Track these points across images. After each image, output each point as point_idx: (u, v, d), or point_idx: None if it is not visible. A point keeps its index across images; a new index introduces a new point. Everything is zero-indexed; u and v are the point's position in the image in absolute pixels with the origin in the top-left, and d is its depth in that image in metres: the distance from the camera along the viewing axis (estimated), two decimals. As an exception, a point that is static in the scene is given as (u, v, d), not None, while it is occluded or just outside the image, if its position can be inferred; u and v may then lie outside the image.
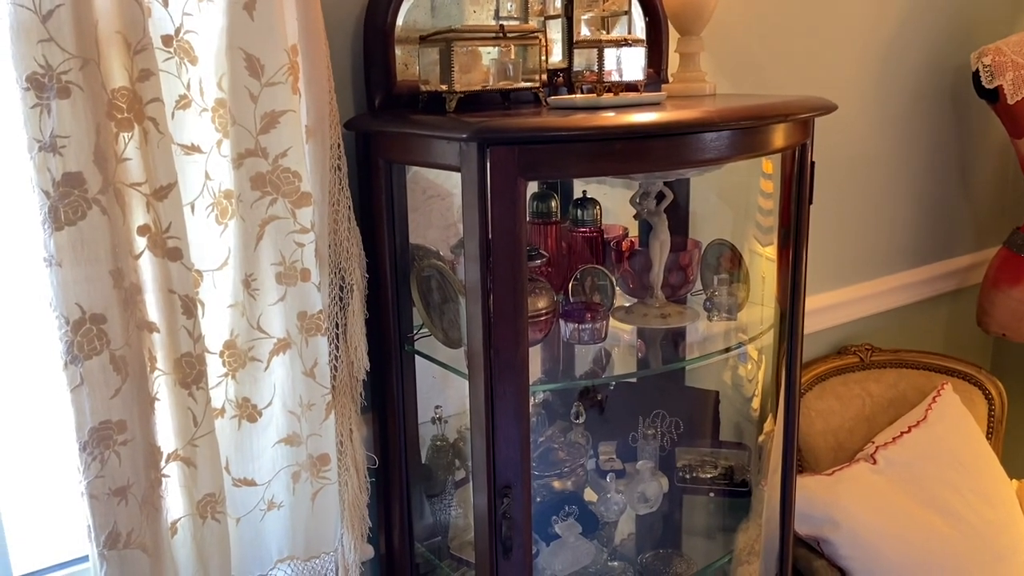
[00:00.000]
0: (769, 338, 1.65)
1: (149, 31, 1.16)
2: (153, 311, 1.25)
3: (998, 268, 2.52)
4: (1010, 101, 2.32)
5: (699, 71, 1.65)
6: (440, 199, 1.61)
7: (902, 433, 2.24)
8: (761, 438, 1.71)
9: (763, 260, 1.62)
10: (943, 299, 2.76)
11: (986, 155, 2.73)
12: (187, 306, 1.25)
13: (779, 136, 1.38)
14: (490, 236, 1.20)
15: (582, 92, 1.45)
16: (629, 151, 1.20)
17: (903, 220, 2.57)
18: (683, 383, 1.92)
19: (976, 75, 2.38)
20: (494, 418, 1.26)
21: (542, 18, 1.61)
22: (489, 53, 1.41)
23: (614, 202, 1.76)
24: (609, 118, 1.19)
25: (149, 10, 1.18)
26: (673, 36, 1.73)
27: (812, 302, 2.26)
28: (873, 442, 2.26)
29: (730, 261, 1.67)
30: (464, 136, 1.17)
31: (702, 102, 1.45)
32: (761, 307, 1.65)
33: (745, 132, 1.30)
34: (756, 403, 1.69)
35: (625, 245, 1.72)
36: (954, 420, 2.29)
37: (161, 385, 1.28)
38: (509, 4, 1.62)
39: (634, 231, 1.81)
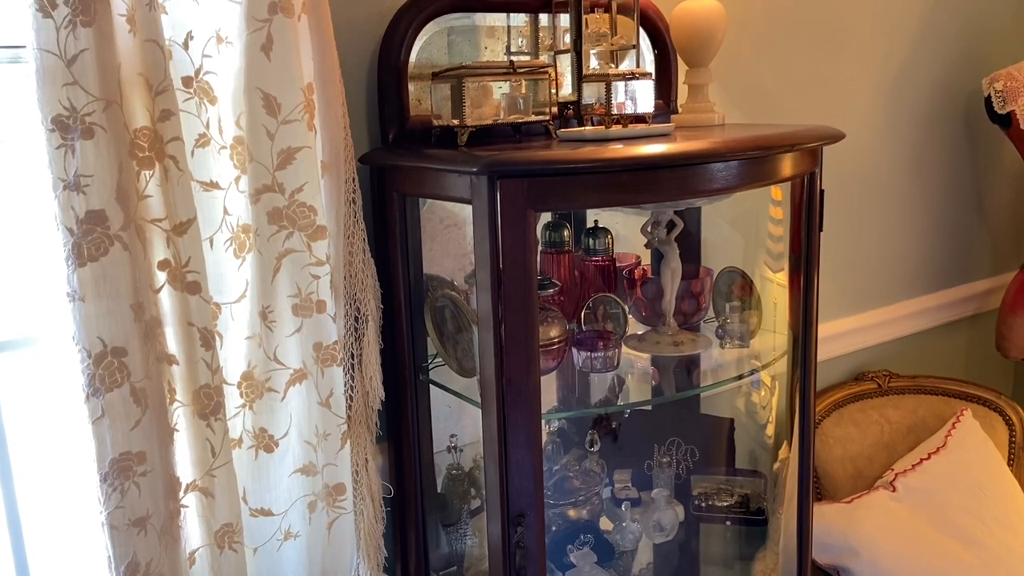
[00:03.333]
0: (783, 365, 1.65)
1: (170, 73, 1.20)
2: (172, 343, 1.28)
3: (1015, 293, 2.50)
4: (1023, 126, 2.32)
5: (708, 102, 1.67)
6: (457, 228, 1.64)
7: (922, 460, 2.22)
8: (776, 465, 1.70)
9: (774, 286, 1.63)
10: (961, 324, 2.75)
11: (1001, 179, 2.73)
12: (206, 338, 1.28)
13: (787, 165, 1.39)
14: (501, 266, 1.22)
15: (591, 124, 1.47)
16: (637, 182, 1.22)
17: (919, 245, 2.56)
18: (698, 411, 1.92)
19: (988, 100, 2.39)
20: (507, 447, 1.27)
21: (552, 53, 1.64)
22: (500, 88, 1.44)
23: (627, 230, 1.78)
24: (616, 150, 1.21)
25: (170, 53, 1.22)
26: (682, 67, 1.75)
27: (828, 328, 2.27)
28: (892, 469, 2.24)
29: (741, 288, 1.68)
30: (475, 170, 1.20)
31: (710, 133, 1.48)
32: (774, 334, 1.65)
33: (752, 162, 1.32)
34: (771, 430, 1.69)
35: (637, 273, 1.74)
36: (974, 446, 2.27)
37: (180, 416, 1.30)
38: (520, 40, 1.65)
39: (647, 259, 1.83)
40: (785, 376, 1.67)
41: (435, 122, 1.45)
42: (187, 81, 1.26)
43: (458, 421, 1.70)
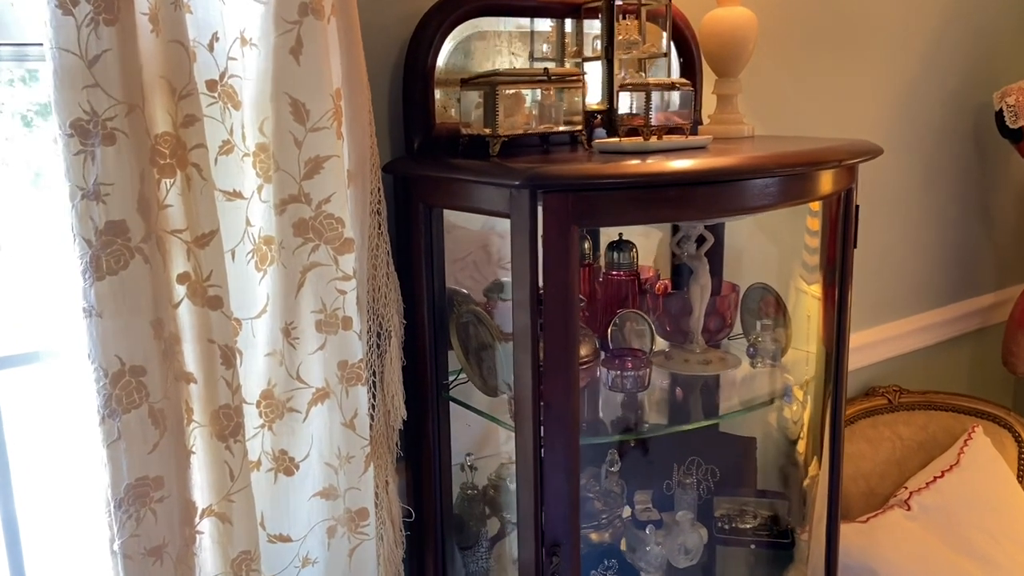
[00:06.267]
0: (814, 379, 1.60)
1: (194, 76, 1.13)
2: (191, 361, 1.21)
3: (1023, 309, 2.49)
4: (1036, 141, 2.31)
5: (737, 113, 1.63)
6: (447, 232, 1.57)
7: (935, 478, 2.19)
8: (806, 482, 1.65)
9: (807, 298, 1.58)
10: (966, 339, 2.73)
11: (1007, 192, 2.72)
12: (226, 356, 1.21)
13: (829, 181, 1.35)
14: (541, 285, 1.16)
15: (622, 135, 1.41)
16: (684, 197, 1.18)
17: (927, 259, 2.54)
18: (717, 429, 1.87)
19: (1000, 115, 2.38)
20: (543, 473, 1.22)
21: (578, 59, 1.59)
22: (529, 96, 1.39)
23: (645, 241, 1.73)
24: (665, 164, 1.16)
25: (194, 55, 1.15)
26: (708, 77, 1.71)
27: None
28: (906, 487, 2.21)
29: (770, 306, 1.64)
30: (516, 183, 1.14)
31: (741, 145, 1.43)
32: (807, 350, 1.61)
33: (797, 177, 1.28)
34: (801, 446, 1.63)
35: (659, 287, 1.69)
36: (987, 464, 2.24)
37: (196, 437, 1.23)
38: (544, 46, 1.60)
39: (665, 272, 1.78)
40: (813, 390, 1.62)
41: (463, 130, 1.39)
42: (211, 85, 1.19)
43: (467, 433, 1.64)
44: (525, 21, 1.59)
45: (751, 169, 1.19)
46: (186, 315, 1.20)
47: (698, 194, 1.18)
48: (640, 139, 1.34)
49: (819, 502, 1.63)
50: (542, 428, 1.21)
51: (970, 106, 2.53)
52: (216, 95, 1.20)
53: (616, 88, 1.40)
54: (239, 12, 1.20)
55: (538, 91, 1.38)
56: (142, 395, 1.13)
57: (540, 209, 1.15)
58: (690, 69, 1.71)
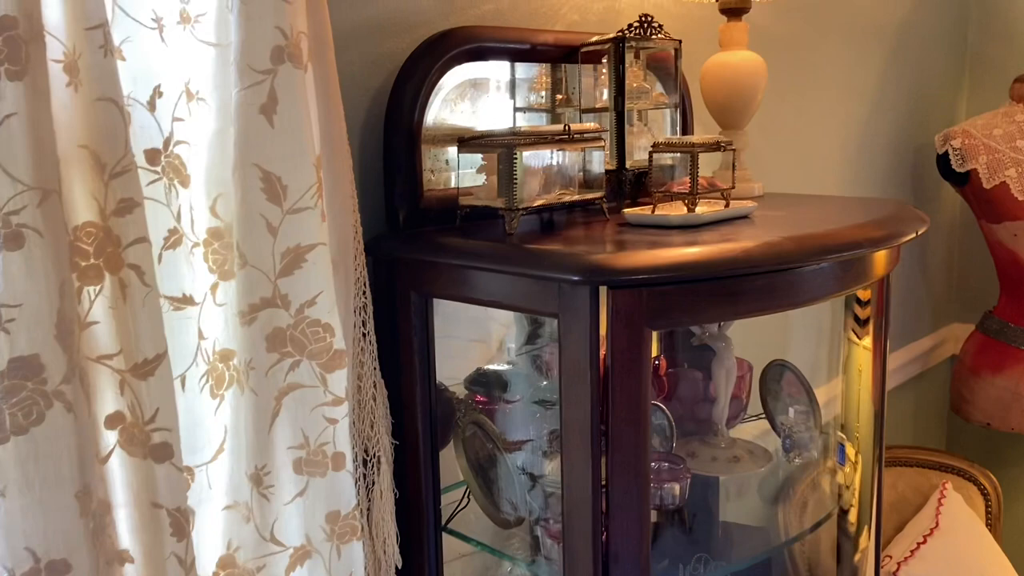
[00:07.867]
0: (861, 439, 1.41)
1: (131, 145, 0.81)
2: (126, 533, 0.87)
3: (975, 355, 2.44)
4: (986, 186, 2.26)
5: (746, 169, 1.44)
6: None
7: (919, 544, 2.07)
8: (857, 557, 1.45)
9: (859, 350, 1.37)
10: (909, 385, 2.67)
11: (938, 233, 2.70)
12: (178, 524, 0.88)
13: (891, 254, 1.18)
14: (607, 404, 0.91)
15: (656, 202, 1.18)
16: (773, 286, 0.95)
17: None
18: (716, 516, 1.66)
19: (944, 158, 2.32)
20: (609, 642, 0.95)
21: (564, 110, 1.36)
22: (542, 158, 1.14)
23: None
24: (753, 247, 0.93)
25: (130, 116, 0.83)
26: (700, 126, 1.52)
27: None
28: (890, 556, 2.08)
29: (794, 385, 1.45)
30: (574, 277, 0.89)
31: (773, 208, 1.24)
32: (858, 409, 1.41)
33: (867, 257, 1.08)
34: (853, 516, 1.42)
35: (662, 369, 1.47)
36: (965, 524, 2.15)
37: (136, 637, 0.89)
38: (531, 95, 1.36)
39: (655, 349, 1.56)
40: (863, 450, 1.42)
41: (462, 200, 1.12)
42: (153, 156, 0.87)
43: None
44: (505, 67, 1.34)
45: (856, 242, 0.98)
46: (119, 471, 0.86)
47: (784, 280, 0.96)
48: (674, 208, 1.12)
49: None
50: (606, 585, 0.95)
51: (908, 149, 2.48)
52: (159, 169, 0.88)
53: (644, 147, 1.17)
54: (185, 58, 0.89)
55: (550, 152, 1.13)
56: (66, 601, 0.78)
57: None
58: (683, 121, 1.51)
